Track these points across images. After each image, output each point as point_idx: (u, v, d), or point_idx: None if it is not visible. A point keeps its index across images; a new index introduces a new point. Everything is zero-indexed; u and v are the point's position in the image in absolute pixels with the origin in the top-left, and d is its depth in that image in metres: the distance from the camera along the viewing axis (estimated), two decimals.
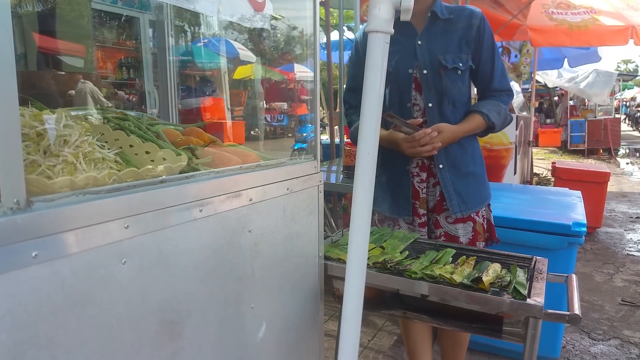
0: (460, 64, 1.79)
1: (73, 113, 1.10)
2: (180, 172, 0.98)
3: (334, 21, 5.93)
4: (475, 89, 2.00)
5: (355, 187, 0.99)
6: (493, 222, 2.00)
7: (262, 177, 1.15)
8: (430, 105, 1.81)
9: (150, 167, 0.88)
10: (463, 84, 1.84)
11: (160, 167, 0.91)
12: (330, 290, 1.54)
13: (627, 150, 13.39)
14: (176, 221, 0.92)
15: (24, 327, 0.67)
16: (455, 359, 2.06)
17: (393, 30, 0.97)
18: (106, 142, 1.01)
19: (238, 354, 1.12)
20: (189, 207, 0.94)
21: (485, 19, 1.83)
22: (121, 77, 6.40)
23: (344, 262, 1.47)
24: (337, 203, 3.88)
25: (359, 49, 1.93)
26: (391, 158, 1.89)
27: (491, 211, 2.01)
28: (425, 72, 1.78)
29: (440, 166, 1.84)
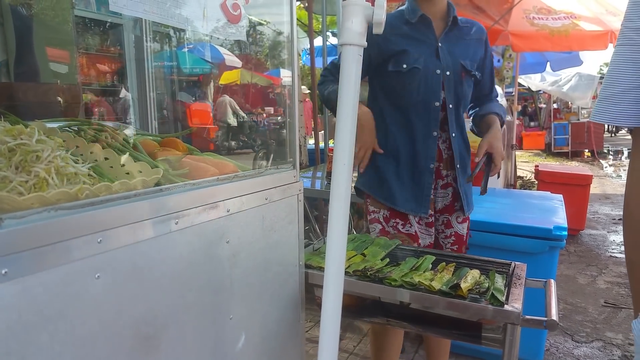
0: (477, 72, 1.92)
1: (51, 125, 1.10)
2: (156, 185, 0.98)
3: (318, 26, 5.95)
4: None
5: (332, 197, 1.00)
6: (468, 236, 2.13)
7: (240, 187, 1.15)
8: (450, 106, 1.87)
9: (124, 180, 0.88)
10: (470, 90, 1.95)
11: (134, 180, 0.91)
12: (312, 298, 1.55)
13: (612, 153, 13.58)
14: (151, 234, 0.92)
15: None
16: (440, 355, 2.10)
17: (366, 43, 0.98)
18: (81, 155, 1.00)
19: None
20: (164, 220, 0.94)
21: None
22: (105, 84, 6.36)
23: (324, 270, 1.48)
24: (322, 209, 3.89)
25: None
26: (415, 155, 1.91)
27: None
28: (448, 73, 1.84)
29: (458, 166, 1.93)
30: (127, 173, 0.98)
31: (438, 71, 1.83)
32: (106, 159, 1.00)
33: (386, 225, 1.93)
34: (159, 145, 1.28)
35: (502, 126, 1.96)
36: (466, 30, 1.91)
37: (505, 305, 1.25)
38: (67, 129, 1.21)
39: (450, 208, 1.97)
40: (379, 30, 0.98)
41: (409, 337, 2.81)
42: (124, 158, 0.99)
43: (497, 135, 1.87)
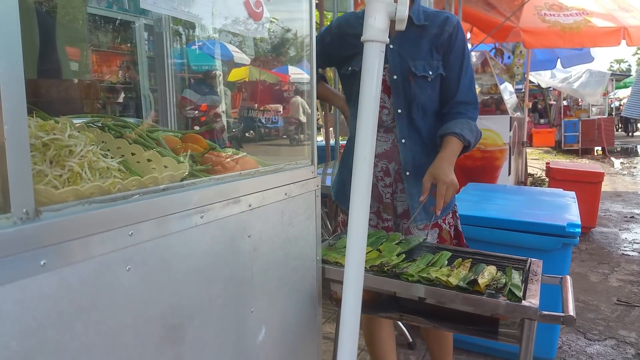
0: (430, 72, 1.78)
1: (76, 121, 1.12)
2: (182, 180, 1.00)
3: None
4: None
5: (352, 192, 1.02)
6: (460, 229, 2.01)
7: (261, 183, 1.17)
8: (399, 111, 1.81)
9: (154, 175, 0.91)
10: (433, 91, 1.83)
11: (163, 175, 0.93)
12: (328, 293, 1.56)
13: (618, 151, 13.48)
14: (178, 228, 0.94)
15: (33, 333, 0.69)
16: (442, 354, 2.09)
17: (388, 39, 1.00)
18: (108, 150, 1.03)
19: (239, 356, 1.14)
20: (191, 214, 0.96)
21: (460, 27, 1.82)
22: (117, 81, 6.40)
23: (341, 266, 1.50)
24: (332, 206, 3.90)
25: (325, 36, 1.95)
26: (346, 157, 1.94)
27: (458, 218, 2.01)
28: (395, 77, 1.78)
29: (407, 173, 1.85)
30: (154, 168, 1.00)
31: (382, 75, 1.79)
32: (133, 154, 1.03)
33: (342, 229, 1.95)
34: (180, 141, 1.30)
35: (467, 146, 1.79)
36: (427, 26, 1.80)
37: (523, 301, 1.26)
38: (91, 124, 1.23)
39: (407, 214, 1.88)
40: (401, 26, 0.99)
41: (419, 334, 2.81)
42: (151, 153, 1.01)
43: (440, 164, 1.71)
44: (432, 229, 1.89)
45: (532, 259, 1.57)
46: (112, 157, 0.93)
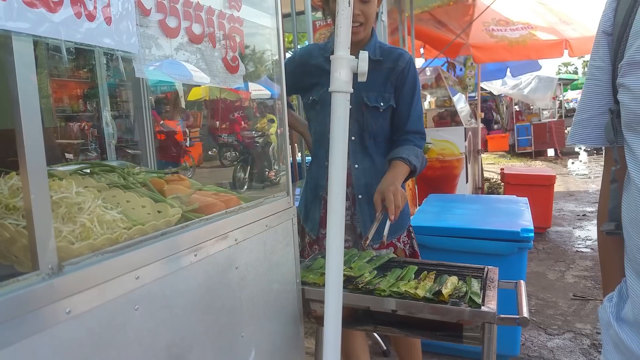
0: (382, 103, 1.92)
1: (63, 169, 1.22)
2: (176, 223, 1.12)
3: (289, 45, 6.11)
4: None
5: (328, 225, 1.15)
6: (417, 249, 2.14)
7: (245, 218, 1.30)
8: (353, 138, 1.95)
9: (153, 222, 1.02)
10: (384, 121, 1.97)
11: (161, 221, 1.04)
12: (307, 311, 1.69)
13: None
14: (176, 267, 1.05)
15: None
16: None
17: (352, 89, 1.14)
18: (104, 198, 1.13)
19: None
20: (187, 253, 1.08)
21: (413, 63, 1.97)
22: (78, 108, 6.37)
23: (319, 286, 1.63)
24: (299, 227, 4.01)
25: (288, 66, 2.04)
26: (309, 181, 2.11)
27: (414, 238, 2.15)
28: (350, 107, 1.93)
29: (360, 197, 1.98)
30: (149, 214, 1.11)
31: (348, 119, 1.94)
32: (127, 201, 1.13)
33: (309, 250, 2.11)
34: (165, 182, 1.41)
35: (413, 171, 1.90)
36: (381, 62, 1.92)
37: (482, 307, 1.42)
38: (80, 172, 1.33)
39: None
40: (362, 79, 1.14)
41: (392, 342, 2.96)
42: (145, 200, 1.12)
43: (385, 181, 1.81)
44: (387, 247, 2.02)
45: (489, 267, 1.73)
46: (111, 208, 1.04)
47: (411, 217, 2.26)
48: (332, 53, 1.92)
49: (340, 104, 1.12)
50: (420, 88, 2.09)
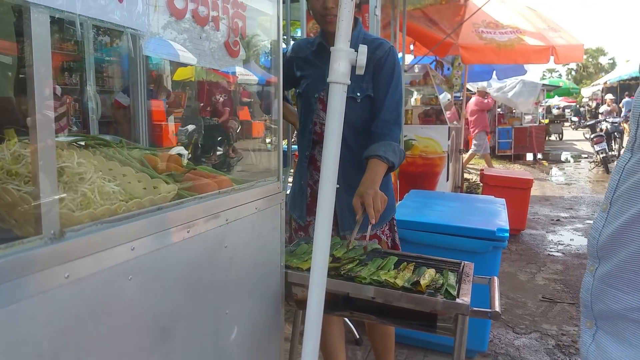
0: (359, 93, 1.94)
1: (64, 139, 1.24)
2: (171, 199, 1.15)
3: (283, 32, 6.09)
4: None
5: (318, 212, 1.19)
6: (398, 243, 2.19)
7: (236, 199, 1.33)
8: None
9: (150, 197, 1.05)
10: (363, 112, 1.98)
11: (158, 196, 1.07)
12: (289, 295, 1.73)
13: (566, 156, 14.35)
14: (170, 242, 1.08)
15: (59, 335, 0.83)
16: (385, 350, 2.31)
17: (350, 81, 1.18)
18: (100, 171, 1.15)
19: (216, 353, 1.30)
20: (180, 229, 1.11)
21: (393, 53, 1.97)
22: (63, 81, 6.27)
23: (302, 270, 1.68)
24: (287, 214, 4.06)
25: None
26: (299, 170, 2.15)
27: (396, 232, 2.19)
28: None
29: (337, 186, 1.99)
30: (145, 188, 1.14)
31: (317, 95, 1.98)
32: (124, 175, 1.16)
33: (295, 236, 2.17)
34: (159, 160, 1.43)
35: (390, 168, 1.90)
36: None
37: (457, 299, 1.48)
38: (74, 143, 1.35)
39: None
40: (360, 72, 1.18)
41: (366, 331, 3.03)
42: (142, 175, 1.15)
43: (363, 184, 1.81)
44: (371, 239, 2.05)
45: (466, 262, 1.80)
46: (109, 180, 1.06)
47: None
48: (317, 47, 1.99)
49: (337, 94, 1.16)
50: (402, 79, 2.08)
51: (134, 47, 1.45)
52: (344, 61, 1.15)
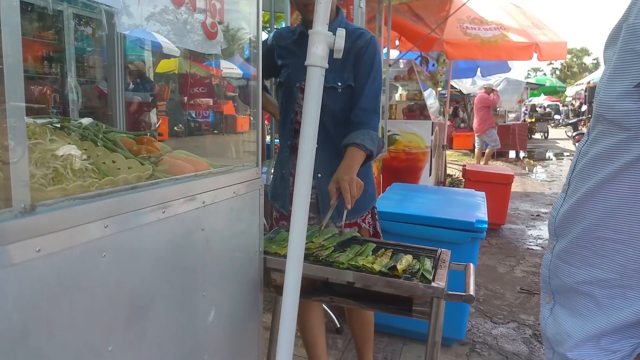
0: (340, 83, 1.94)
1: (39, 121, 1.23)
2: (146, 180, 1.14)
3: (266, 24, 6.08)
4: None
5: (295, 196, 1.20)
6: (380, 231, 2.22)
7: (214, 182, 1.33)
8: None
9: (124, 176, 1.04)
10: (345, 102, 1.98)
11: (132, 175, 1.07)
12: (267, 281, 1.74)
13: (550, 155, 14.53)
14: (144, 221, 1.08)
15: (30, 308, 0.83)
16: (364, 337, 2.34)
17: (327, 65, 1.19)
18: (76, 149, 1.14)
19: (192, 334, 1.30)
20: (155, 209, 1.11)
21: (374, 42, 1.97)
22: (42, 71, 6.16)
23: (280, 256, 1.69)
24: (268, 203, 4.06)
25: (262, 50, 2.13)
26: (280, 159, 2.17)
27: (378, 221, 2.21)
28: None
29: (319, 175, 2.02)
30: (119, 169, 1.13)
31: (297, 84, 1.99)
32: (98, 155, 1.15)
33: (276, 226, 2.18)
34: (135, 143, 1.43)
35: (368, 157, 1.90)
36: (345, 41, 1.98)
37: (432, 283, 1.50)
38: (50, 125, 1.33)
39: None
40: (338, 55, 1.19)
41: (347, 320, 3.06)
42: (117, 155, 1.14)
43: (340, 170, 1.81)
44: (352, 227, 2.08)
45: (442, 249, 1.83)
46: (83, 159, 1.06)
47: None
48: (298, 36, 2.00)
49: (315, 78, 1.17)
50: (382, 69, 2.07)
51: (109, 25, 1.44)
52: (322, 44, 1.15)
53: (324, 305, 2.96)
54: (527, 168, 11.86)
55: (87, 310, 0.95)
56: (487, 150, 10.68)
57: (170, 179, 1.20)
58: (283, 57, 2.06)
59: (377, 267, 1.57)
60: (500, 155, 13.17)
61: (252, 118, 1.61)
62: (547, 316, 0.94)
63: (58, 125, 1.35)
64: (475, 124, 10.51)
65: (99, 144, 1.23)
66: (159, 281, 1.15)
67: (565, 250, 0.88)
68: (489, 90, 10.60)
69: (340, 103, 1.98)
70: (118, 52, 1.72)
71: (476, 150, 10.76)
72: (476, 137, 10.61)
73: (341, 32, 1.16)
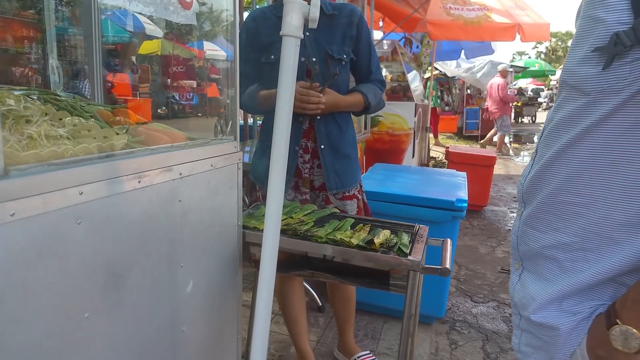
0: (344, 56, 2.02)
1: (16, 93, 1.22)
2: (121, 149, 1.15)
3: (248, 1, 6.01)
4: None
5: (271, 164, 1.21)
6: (367, 202, 2.29)
7: (190, 154, 1.34)
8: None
9: (99, 143, 1.05)
10: (346, 74, 2.09)
11: (107, 143, 1.07)
12: (247, 257, 1.76)
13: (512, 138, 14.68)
14: (119, 190, 1.09)
15: (4, 273, 0.83)
16: (346, 314, 2.38)
17: (302, 35, 1.20)
18: (52, 121, 1.14)
19: (170, 304, 1.32)
20: (130, 179, 1.12)
21: (363, 18, 2.08)
22: (23, 50, 6.07)
23: (259, 230, 1.70)
24: (249, 182, 4.07)
25: (243, 36, 2.10)
26: (265, 137, 2.15)
27: (364, 192, 2.29)
28: (314, 59, 2.00)
29: (322, 147, 2.07)
30: (94, 138, 1.13)
31: (302, 59, 2.00)
32: (74, 125, 1.15)
33: (262, 202, 2.16)
34: (112, 115, 1.42)
35: (365, 109, 2.09)
36: (336, 16, 2.01)
37: (409, 256, 1.53)
38: (28, 96, 1.32)
39: (325, 186, 2.11)
40: (313, 25, 1.19)
41: (328, 299, 3.10)
42: (92, 124, 1.14)
43: (338, 99, 1.99)
44: (351, 199, 2.15)
45: (420, 225, 1.86)
46: (58, 127, 1.06)
47: None
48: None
49: (290, 48, 1.17)
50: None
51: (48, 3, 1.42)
52: (297, 14, 1.16)
53: (305, 284, 3.00)
54: (511, 151, 11.97)
55: (63, 276, 0.96)
56: (498, 136, 10.82)
57: (146, 149, 1.20)
58: (270, 36, 2.04)
59: (354, 241, 1.59)
60: (484, 138, 13.26)
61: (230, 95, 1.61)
62: (515, 282, 0.96)
63: (35, 97, 1.35)
64: (491, 107, 10.61)
65: (74, 113, 1.23)
66: (136, 250, 1.16)
67: (531, 215, 0.90)
68: (505, 73, 10.64)
69: (344, 74, 2.06)
70: (95, 27, 1.70)
71: (490, 134, 10.93)
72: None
73: (316, 2, 1.16)
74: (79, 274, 0.99)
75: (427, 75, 7.75)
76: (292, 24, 1.16)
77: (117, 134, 1.20)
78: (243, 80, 2.17)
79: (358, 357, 2.41)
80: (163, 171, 1.23)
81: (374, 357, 2.43)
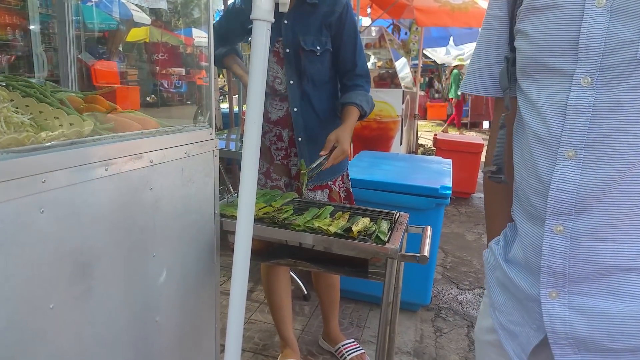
0: (318, 47, 1.97)
1: None
2: (88, 136, 1.12)
3: None
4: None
5: (244, 149, 1.19)
6: (352, 191, 2.28)
7: (162, 141, 1.31)
8: (291, 82, 2.00)
9: (62, 130, 1.02)
10: (322, 65, 2.01)
11: (71, 130, 1.05)
12: (227, 246, 1.74)
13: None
14: (85, 178, 1.06)
15: None
16: (330, 300, 2.38)
17: (273, 19, 1.17)
18: (17, 107, 1.11)
19: (142, 294, 1.30)
20: (96, 166, 1.09)
21: (350, 7, 2.01)
22: (7, 38, 5.94)
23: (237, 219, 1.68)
24: (237, 170, 4.05)
25: (231, 11, 2.10)
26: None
27: (350, 181, 2.27)
28: (287, 50, 1.97)
29: (300, 139, 2.06)
30: (61, 125, 1.11)
31: (277, 47, 1.98)
32: (40, 112, 1.12)
33: None
34: (83, 102, 1.39)
35: (363, 115, 2.03)
36: (318, 4, 1.95)
37: (387, 244, 1.52)
38: None
39: (298, 175, 2.07)
40: (284, 9, 1.17)
41: (314, 288, 3.10)
42: (58, 111, 1.11)
43: (344, 131, 1.92)
44: (323, 189, 2.12)
45: (401, 213, 1.85)
46: (22, 114, 1.03)
47: None
48: None
49: (260, 32, 1.15)
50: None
51: None
52: None
53: (291, 273, 2.99)
54: None
55: (25, 266, 0.93)
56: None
57: (114, 135, 1.18)
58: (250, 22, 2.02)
59: (333, 229, 1.58)
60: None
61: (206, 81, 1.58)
62: (562, 313, 0.82)
63: (3, 84, 1.31)
64: None
65: (45, 101, 1.20)
66: (105, 239, 1.14)
67: (599, 227, 0.77)
68: None
69: (318, 67, 2.00)
70: (68, 12, 1.66)
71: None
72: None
73: None
74: (43, 263, 0.97)
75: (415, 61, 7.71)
76: (262, 8, 1.13)
77: (85, 120, 1.18)
78: (219, 41, 2.15)
79: (342, 346, 2.42)
80: (132, 159, 1.21)
81: (358, 346, 2.43)
